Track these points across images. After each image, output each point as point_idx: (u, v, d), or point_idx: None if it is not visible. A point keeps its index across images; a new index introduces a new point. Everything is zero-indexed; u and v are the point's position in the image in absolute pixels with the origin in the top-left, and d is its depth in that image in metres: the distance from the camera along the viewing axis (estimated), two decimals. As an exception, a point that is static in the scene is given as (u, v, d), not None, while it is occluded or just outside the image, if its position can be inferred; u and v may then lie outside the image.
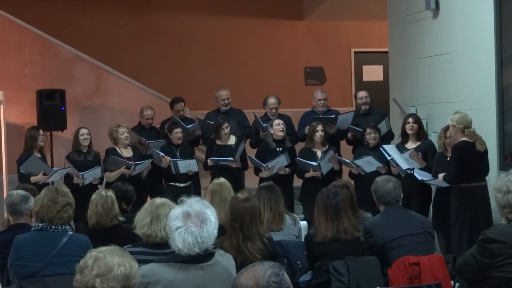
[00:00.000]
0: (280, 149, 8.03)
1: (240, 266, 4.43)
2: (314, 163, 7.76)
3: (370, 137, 7.88)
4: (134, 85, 11.16)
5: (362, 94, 8.74)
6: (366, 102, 8.66)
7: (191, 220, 3.17)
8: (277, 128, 8.06)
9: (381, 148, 7.73)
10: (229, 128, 8.20)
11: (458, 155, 6.80)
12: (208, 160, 8.20)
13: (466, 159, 6.76)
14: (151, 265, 3.23)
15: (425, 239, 4.98)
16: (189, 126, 8.73)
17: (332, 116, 8.58)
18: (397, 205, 5.12)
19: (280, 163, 7.88)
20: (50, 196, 4.48)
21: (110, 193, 5.40)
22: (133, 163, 8.01)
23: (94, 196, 5.37)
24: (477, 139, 6.80)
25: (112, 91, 10.99)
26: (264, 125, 8.46)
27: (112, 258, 2.79)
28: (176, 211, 3.21)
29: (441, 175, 7.04)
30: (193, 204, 3.23)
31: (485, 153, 6.85)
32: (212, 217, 3.22)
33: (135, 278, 2.81)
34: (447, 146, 7.23)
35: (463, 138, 6.80)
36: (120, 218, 5.33)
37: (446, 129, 7.28)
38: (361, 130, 8.13)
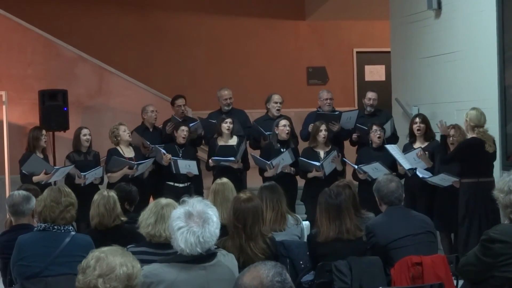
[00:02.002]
0: (284, 149, 8.00)
1: (242, 266, 4.41)
2: (317, 163, 7.74)
3: (376, 135, 7.81)
4: (136, 85, 11.16)
5: (371, 95, 8.57)
6: (373, 104, 8.57)
7: (193, 220, 3.17)
8: (283, 129, 8.01)
9: (385, 147, 7.72)
10: (232, 125, 8.19)
11: (462, 147, 6.88)
12: (210, 160, 8.19)
13: (472, 155, 6.81)
14: (153, 265, 3.23)
15: (428, 239, 4.98)
16: (191, 124, 8.71)
17: (336, 113, 8.54)
18: (399, 205, 5.11)
19: (284, 160, 7.84)
20: (53, 197, 4.48)
21: (112, 193, 5.39)
22: (135, 163, 8.01)
23: (96, 197, 5.37)
24: (488, 140, 6.83)
25: (114, 91, 11.00)
26: (266, 133, 8.42)
27: (114, 258, 2.79)
28: (178, 211, 3.21)
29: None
30: (195, 204, 3.23)
31: (493, 154, 6.91)
32: (214, 217, 3.23)
33: (137, 278, 2.82)
34: (449, 144, 7.23)
35: (474, 135, 6.83)
36: (122, 218, 5.33)
37: (450, 128, 7.29)
38: (366, 128, 8.07)
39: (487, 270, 3.87)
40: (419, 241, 4.89)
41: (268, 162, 7.81)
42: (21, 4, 11.47)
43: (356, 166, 7.75)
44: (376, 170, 7.50)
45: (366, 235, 5.00)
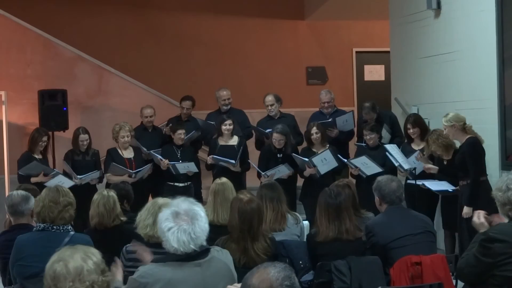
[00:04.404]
0: (281, 155, 8.01)
1: (243, 268, 4.43)
2: (306, 159, 7.77)
3: (367, 139, 8.00)
4: (135, 85, 11.16)
5: (369, 116, 8.45)
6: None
7: (181, 218, 3.18)
8: (275, 142, 8.03)
9: (384, 147, 7.76)
10: (232, 126, 8.19)
11: (472, 152, 6.76)
12: (209, 158, 8.20)
13: (481, 154, 6.81)
14: (148, 265, 3.23)
15: (427, 239, 4.98)
16: (187, 137, 8.55)
17: (329, 120, 8.51)
18: (400, 204, 5.12)
19: (280, 172, 7.88)
20: (51, 197, 4.47)
21: (112, 193, 5.39)
22: (133, 171, 8.00)
23: (96, 196, 5.37)
24: (476, 134, 6.88)
25: (114, 91, 10.99)
26: (267, 130, 8.42)
27: (74, 258, 2.78)
28: (165, 213, 3.22)
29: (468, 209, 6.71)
30: (180, 203, 3.25)
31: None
32: (201, 212, 3.25)
33: (103, 261, 2.84)
34: (440, 151, 7.22)
35: (467, 136, 6.81)
36: (122, 218, 5.33)
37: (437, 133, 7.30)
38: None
39: (487, 270, 3.87)
40: (418, 241, 4.90)
41: (263, 173, 7.84)
42: (20, 4, 11.45)
43: (346, 160, 7.86)
44: (366, 165, 7.63)
45: (366, 235, 5.01)
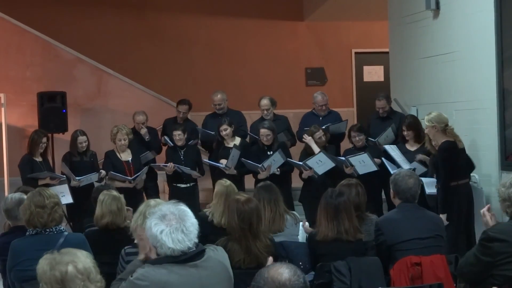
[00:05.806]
0: (271, 152, 7.99)
1: (247, 269, 4.43)
2: (300, 163, 7.79)
3: (355, 140, 7.99)
4: (134, 86, 11.17)
5: (379, 104, 8.46)
6: (385, 111, 8.51)
7: (170, 219, 3.19)
8: (262, 137, 8.01)
9: (384, 147, 7.75)
10: (228, 130, 8.20)
11: (444, 157, 6.79)
12: (204, 160, 8.31)
13: (453, 159, 6.78)
14: (145, 268, 3.21)
15: (435, 243, 4.89)
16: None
17: (323, 128, 8.51)
18: (413, 202, 5.05)
19: (276, 161, 7.84)
20: (36, 202, 4.40)
21: (120, 195, 5.37)
22: (131, 178, 8.00)
23: (103, 197, 5.29)
24: (456, 137, 6.87)
25: (113, 93, 11.00)
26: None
27: (65, 265, 2.79)
28: (152, 220, 3.21)
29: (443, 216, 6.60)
30: (163, 207, 3.25)
31: (464, 149, 6.94)
32: (187, 209, 3.26)
33: (89, 256, 2.89)
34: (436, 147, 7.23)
35: (445, 139, 6.80)
36: (127, 221, 5.29)
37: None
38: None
39: (487, 269, 3.88)
40: (425, 245, 4.83)
41: (260, 165, 7.80)
42: (19, 6, 11.45)
43: (343, 158, 7.82)
44: (363, 164, 7.59)
45: (375, 232, 5.00)
